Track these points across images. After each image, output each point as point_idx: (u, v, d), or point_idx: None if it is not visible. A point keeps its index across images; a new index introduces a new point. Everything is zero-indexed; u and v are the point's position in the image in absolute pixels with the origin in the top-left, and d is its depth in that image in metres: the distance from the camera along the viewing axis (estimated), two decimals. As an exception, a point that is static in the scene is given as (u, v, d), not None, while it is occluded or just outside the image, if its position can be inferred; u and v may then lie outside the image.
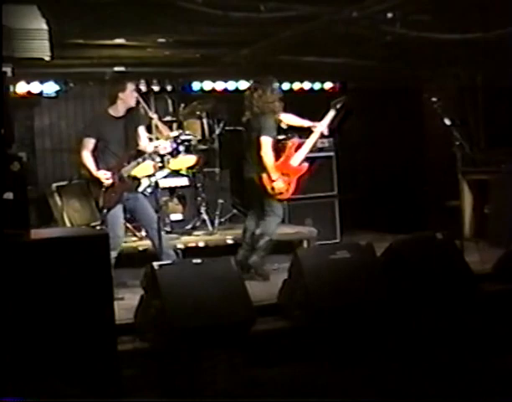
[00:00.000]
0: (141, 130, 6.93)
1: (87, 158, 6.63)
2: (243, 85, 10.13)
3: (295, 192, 7.23)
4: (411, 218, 9.01)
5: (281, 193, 7.09)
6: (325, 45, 8.42)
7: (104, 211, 6.63)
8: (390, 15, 7.00)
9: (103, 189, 6.57)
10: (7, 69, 5.61)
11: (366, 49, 8.61)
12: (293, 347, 5.30)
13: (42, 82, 9.10)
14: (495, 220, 8.48)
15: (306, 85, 10.57)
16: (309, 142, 7.29)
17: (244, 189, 7.64)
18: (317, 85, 10.65)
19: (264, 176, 7.05)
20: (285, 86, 10.41)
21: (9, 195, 4.17)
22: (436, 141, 9.08)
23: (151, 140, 7.35)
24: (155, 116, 7.26)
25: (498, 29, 7.30)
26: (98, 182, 6.58)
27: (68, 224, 8.51)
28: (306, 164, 7.24)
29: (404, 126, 10.03)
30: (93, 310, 4.29)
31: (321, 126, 7.32)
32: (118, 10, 6.47)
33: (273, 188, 7.04)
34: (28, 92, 9.05)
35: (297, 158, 7.20)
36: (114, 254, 6.34)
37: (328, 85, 10.71)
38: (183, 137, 7.07)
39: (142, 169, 7.47)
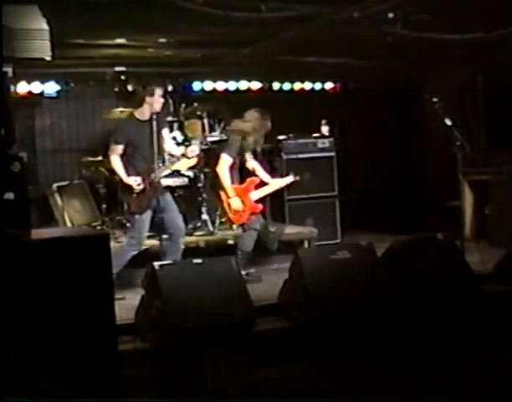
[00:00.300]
0: (165, 132, 6.89)
1: (117, 164, 6.56)
2: (244, 85, 10.15)
3: (248, 220, 7.12)
4: (411, 218, 9.02)
5: (237, 213, 7.06)
6: (326, 45, 8.42)
7: (136, 216, 6.54)
8: (391, 15, 7.00)
9: (134, 195, 6.50)
10: (8, 69, 5.61)
11: (367, 50, 8.61)
12: (293, 348, 5.30)
13: (43, 82, 9.10)
14: (496, 221, 8.48)
15: (307, 86, 10.57)
16: (266, 189, 7.40)
17: None
18: (318, 86, 10.66)
19: (222, 193, 7.13)
20: (286, 86, 10.43)
21: (10, 195, 4.18)
22: (436, 141, 9.09)
23: (177, 143, 7.39)
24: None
25: (499, 30, 7.30)
26: (128, 188, 6.52)
27: (68, 224, 8.51)
28: (261, 206, 7.24)
29: (405, 127, 10.04)
30: (93, 310, 4.29)
31: (275, 185, 7.46)
32: (119, 10, 6.47)
33: (229, 205, 7.08)
34: (29, 92, 9.06)
35: (255, 195, 7.23)
36: (133, 253, 6.46)
37: (329, 86, 10.72)
38: (210, 139, 7.03)
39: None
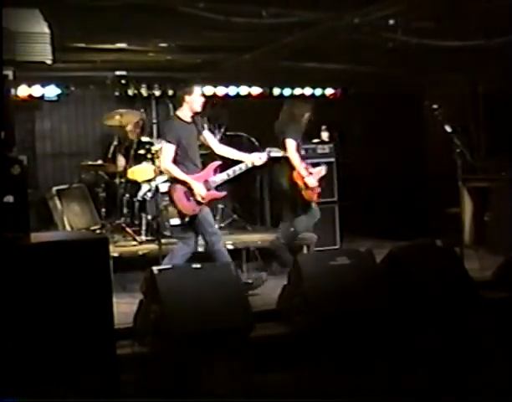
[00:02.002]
0: (207, 134, 6.67)
1: (172, 167, 6.26)
2: (244, 90, 10.16)
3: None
4: (411, 224, 9.01)
5: (312, 190, 7.38)
6: (327, 51, 8.44)
7: (186, 219, 6.32)
8: (391, 22, 7.01)
9: (190, 197, 6.27)
10: (9, 73, 5.62)
11: (368, 56, 8.63)
12: (292, 353, 5.29)
13: (43, 85, 9.12)
14: (495, 227, 8.48)
15: (307, 91, 10.59)
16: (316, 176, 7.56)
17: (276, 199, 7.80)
18: (318, 91, 10.67)
19: (295, 173, 7.31)
20: (287, 92, 10.44)
21: (9, 198, 4.17)
22: (436, 148, 9.10)
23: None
24: None
25: (499, 37, 7.32)
26: (187, 190, 6.26)
27: (68, 227, 8.51)
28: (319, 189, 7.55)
29: (405, 133, 10.04)
30: (92, 314, 4.28)
31: (319, 173, 7.61)
32: (120, 15, 6.49)
33: (305, 184, 7.32)
34: (30, 95, 9.07)
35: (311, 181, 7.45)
36: (220, 246, 6.36)
37: (329, 91, 10.73)
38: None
39: (142, 173, 7.49)
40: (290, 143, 7.31)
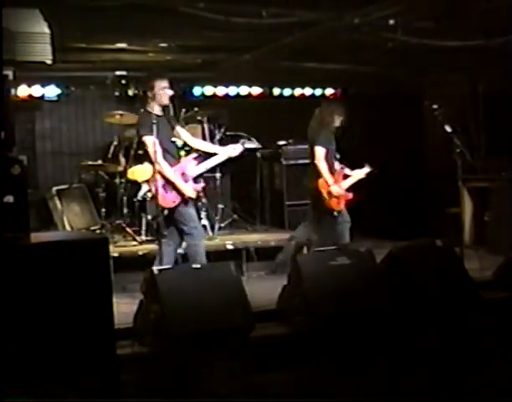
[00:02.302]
0: (180, 129, 6.62)
1: (163, 163, 6.22)
2: (245, 90, 10.16)
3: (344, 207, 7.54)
4: (411, 224, 9.01)
5: (337, 198, 7.38)
6: (327, 51, 8.44)
7: (165, 212, 6.29)
8: (391, 22, 7.02)
9: (169, 190, 6.24)
10: (9, 72, 5.62)
11: (368, 56, 8.63)
12: (292, 353, 5.29)
13: (43, 85, 9.12)
14: (495, 227, 8.47)
15: (307, 91, 10.59)
16: (351, 180, 7.73)
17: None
18: (318, 91, 10.67)
19: (321, 181, 7.32)
20: (287, 92, 10.44)
21: (9, 198, 4.17)
22: (436, 148, 9.10)
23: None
24: None
25: (499, 37, 7.32)
26: (169, 182, 6.24)
27: (68, 227, 8.51)
28: (351, 194, 7.59)
29: (405, 133, 10.03)
30: (92, 314, 4.29)
31: (357, 175, 7.79)
32: (120, 15, 6.49)
33: (329, 192, 7.30)
34: (30, 95, 9.08)
35: (344, 185, 7.59)
36: (199, 243, 6.34)
37: (329, 91, 10.73)
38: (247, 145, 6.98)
39: (142, 173, 7.48)
40: (319, 151, 7.28)
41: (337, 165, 7.62)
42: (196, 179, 6.48)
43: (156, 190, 6.13)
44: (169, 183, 6.25)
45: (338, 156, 7.65)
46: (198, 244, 6.37)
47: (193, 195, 6.36)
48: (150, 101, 6.36)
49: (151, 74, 6.72)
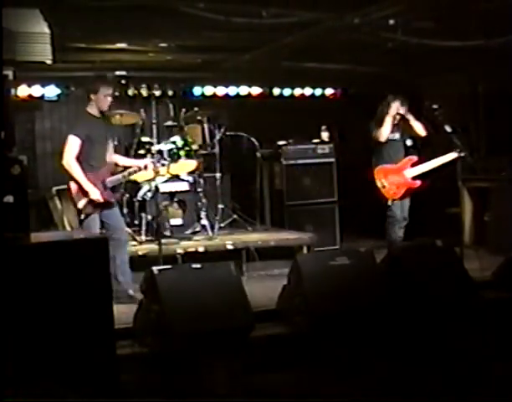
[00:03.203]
0: (111, 145, 6.66)
1: (73, 164, 6.27)
2: (244, 90, 10.16)
3: (402, 197, 7.75)
4: (411, 225, 9.00)
5: (391, 188, 7.64)
6: (327, 51, 8.45)
7: (82, 217, 6.40)
8: (391, 22, 7.02)
9: (87, 199, 6.31)
10: (9, 72, 5.64)
11: (368, 56, 8.64)
12: (292, 353, 5.29)
13: (43, 85, 9.13)
14: (495, 228, 8.47)
15: (307, 91, 10.60)
16: (424, 166, 7.71)
17: None
18: (318, 91, 10.68)
19: (376, 170, 7.71)
20: (286, 92, 10.44)
21: (9, 198, 4.18)
22: (436, 148, 9.09)
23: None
24: None
25: (499, 37, 7.32)
26: (83, 191, 6.29)
27: (68, 227, 8.50)
28: (419, 182, 7.69)
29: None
30: (92, 314, 4.29)
31: (435, 162, 7.73)
32: (120, 15, 6.49)
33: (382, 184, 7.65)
34: (30, 95, 9.08)
35: (411, 172, 7.69)
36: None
37: (329, 91, 10.74)
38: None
39: (142, 174, 7.48)
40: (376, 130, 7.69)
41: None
42: (113, 189, 6.54)
43: (74, 193, 6.33)
44: (79, 186, 6.32)
45: (410, 143, 7.90)
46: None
47: (98, 198, 6.29)
48: (91, 103, 6.42)
49: (100, 77, 6.84)
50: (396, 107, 7.75)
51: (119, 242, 6.38)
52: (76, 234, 6.37)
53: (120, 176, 6.58)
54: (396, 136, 7.84)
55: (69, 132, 6.38)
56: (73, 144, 6.27)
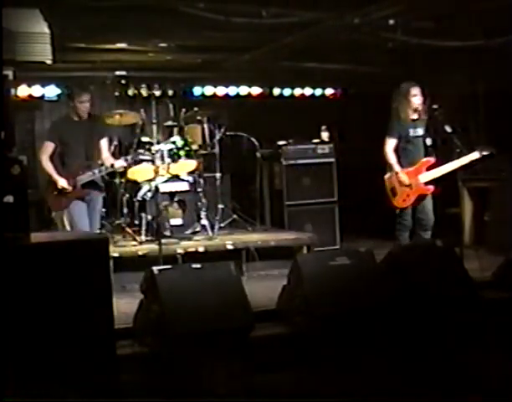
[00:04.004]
0: (104, 142, 7.10)
1: (46, 163, 6.89)
2: (244, 90, 10.16)
3: (413, 204, 7.25)
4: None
5: (404, 191, 7.15)
6: (327, 51, 8.45)
7: (53, 213, 6.99)
8: (391, 22, 7.02)
9: (55, 193, 6.86)
10: (9, 72, 5.64)
11: (368, 56, 8.64)
12: (292, 353, 5.29)
13: (43, 85, 9.13)
14: (495, 227, 8.47)
15: (307, 91, 10.60)
16: (441, 169, 7.13)
17: None
18: (318, 91, 10.68)
19: (386, 176, 7.29)
20: (286, 92, 10.45)
21: (9, 198, 4.17)
22: (436, 148, 9.09)
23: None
24: None
25: (499, 37, 7.32)
26: (53, 185, 6.86)
27: (68, 227, 8.50)
28: (432, 187, 7.18)
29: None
30: (92, 314, 4.28)
31: (453, 164, 7.04)
32: (120, 15, 6.50)
33: (399, 182, 7.15)
34: (30, 95, 9.09)
35: (425, 177, 7.17)
36: None
37: (329, 91, 10.74)
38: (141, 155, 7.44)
39: (142, 173, 7.49)
40: (386, 142, 7.24)
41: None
42: (84, 186, 6.97)
43: (48, 192, 7.01)
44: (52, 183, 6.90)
45: (429, 142, 7.24)
46: None
47: (63, 185, 6.81)
48: (70, 108, 6.94)
49: (76, 85, 7.18)
50: (416, 93, 7.11)
51: None
52: (76, 234, 6.38)
53: (90, 173, 6.94)
54: (419, 131, 7.25)
55: (45, 137, 7.03)
56: (46, 147, 6.91)
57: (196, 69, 9.41)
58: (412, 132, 7.20)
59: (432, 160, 7.17)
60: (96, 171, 6.97)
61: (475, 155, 6.97)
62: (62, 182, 6.79)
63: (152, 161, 7.90)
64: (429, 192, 7.19)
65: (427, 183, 7.17)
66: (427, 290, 5.92)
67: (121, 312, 5.22)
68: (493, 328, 5.68)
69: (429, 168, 7.17)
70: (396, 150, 7.25)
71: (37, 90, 9.10)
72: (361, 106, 10.19)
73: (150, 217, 7.78)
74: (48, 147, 6.87)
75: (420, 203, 7.21)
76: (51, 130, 7.07)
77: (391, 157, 7.21)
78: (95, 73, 9.17)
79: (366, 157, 10.28)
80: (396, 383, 4.79)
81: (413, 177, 7.16)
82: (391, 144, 7.20)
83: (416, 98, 7.10)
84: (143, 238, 7.64)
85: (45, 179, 7.18)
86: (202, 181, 8.27)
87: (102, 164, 7.02)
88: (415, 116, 7.19)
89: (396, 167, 7.15)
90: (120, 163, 7.14)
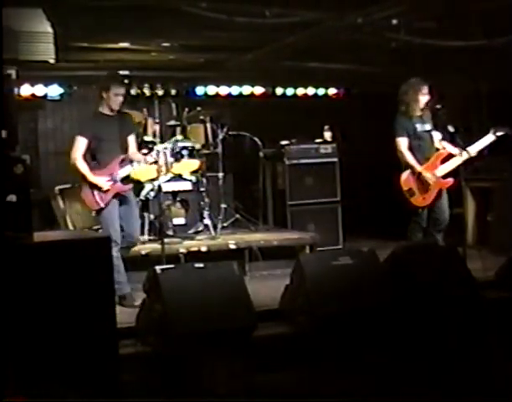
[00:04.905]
0: (132, 138, 6.76)
1: (79, 162, 6.42)
2: (247, 89, 10.16)
3: (431, 203, 6.97)
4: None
5: (413, 195, 6.92)
6: (330, 51, 8.45)
7: (94, 213, 6.53)
8: (394, 22, 7.02)
9: (94, 190, 6.39)
10: (12, 72, 5.64)
11: (370, 55, 8.63)
12: (294, 353, 5.29)
13: (46, 85, 9.13)
14: (498, 228, 8.46)
15: (310, 91, 10.59)
16: (455, 161, 6.92)
17: None
18: (321, 91, 10.67)
19: (402, 177, 6.99)
20: (289, 92, 10.44)
21: (12, 198, 4.18)
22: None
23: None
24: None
25: (502, 37, 7.31)
26: (91, 185, 6.40)
27: (70, 226, 8.51)
28: (451, 179, 6.92)
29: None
30: (95, 313, 4.29)
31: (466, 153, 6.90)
32: (123, 14, 6.50)
33: (422, 181, 6.89)
34: (33, 95, 9.08)
35: (441, 170, 6.97)
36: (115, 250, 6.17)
37: (332, 91, 10.73)
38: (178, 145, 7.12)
39: (145, 173, 7.50)
40: (398, 142, 6.99)
41: (445, 145, 7.01)
42: (123, 181, 6.53)
43: (84, 192, 6.44)
44: (89, 183, 6.41)
45: (439, 136, 7.05)
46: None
47: (103, 185, 6.35)
48: (102, 101, 6.49)
49: (112, 76, 6.88)
50: (424, 91, 7.00)
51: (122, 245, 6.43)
52: (79, 233, 6.39)
53: (129, 167, 6.55)
54: (427, 126, 7.08)
55: (77, 132, 6.51)
56: (79, 144, 6.40)
57: (198, 69, 9.40)
58: (419, 128, 7.06)
59: (444, 152, 6.99)
60: (135, 164, 6.58)
61: (490, 137, 6.81)
62: (101, 183, 6.35)
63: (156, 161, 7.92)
64: (449, 185, 6.92)
65: (444, 177, 6.95)
66: (430, 289, 5.92)
67: (124, 312, 5.23)
68: (495, 328, 5.67)
69: (443, 161, 6.98)
70: (409, 148, 7.05)
71: (40, 90, 9.09)
72: (364, 106, 10.18)
73: (152, 216, 7.79)
74: (81, 144, 6.39)
75: (438, 200, 6.97)
76: (84, 125, 6.60)
77: (410, 158, 6.96)
78: (98, 72, 9.15)
79: (369, 156, 10.29)
80: (397, 383, 4.79)
81: (431, 173, 6.96)
82: (404, 143, 7.00)
83: (425, 97, 7.03)
84: (146, 237, 7.65)
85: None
86: (204, 180, 8.27)
87: (131, 160, 6.63)
88: (420, 113, 7.10)
89: (418, 167, 6.93)
90: (151, 158, 6.73)
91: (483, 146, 6.88)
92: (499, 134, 6.74)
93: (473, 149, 6.83)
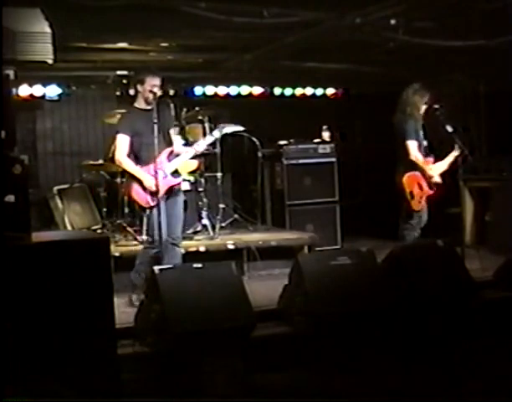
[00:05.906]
0: (173, 131, 6.58)
1: (125, 160, 6.20)
2: (246, 89, 10.16)
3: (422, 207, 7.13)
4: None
5: (413, 198, 7.01)
6: (328, 51, 8.44)
7: (148, 211, 6.20)
8: (393, 22, 7.02)
9: (141, 188, 6.14)
10: (10, 72, 5.62)
11: (369, 55, 8.63)
12: (293, 353, 5.30)
13: (44, 85, 9.12)
14: (496, 227, 8.47)
15: (309, 91, 10.59)
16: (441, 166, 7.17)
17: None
18: (319, 91, 10.68)
19: (405, 178, 7.04)
20: (288, 92, 10.44)
21: (10, 198, 4.18)
22: (437, 147, 9.09)
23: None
24: None
25: (500, 37, 7.31)
26: (140, 182, 6.13)
27: (69, 227, 8.52)
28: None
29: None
30: (93, 313, 4.29)
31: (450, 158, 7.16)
32: (121, 14, 6.49)
33: (411, 192, 7.00)
34: (31, 95, 9.08)
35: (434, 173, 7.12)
36: (174, 249, 6.17)
37: (330, 91, 10.73)
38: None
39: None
40: (410, 145, 6.97)
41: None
42: (173, 175, 6.32)
43: (134, 190, 6.16)
44: (137, 180, 6.18)
45: (426, 143, 7.20)
46: (172, 249, 6.24)
47: (151, 185, 6.07)
48: (138, 96, 6.31)
49: (144, 69, 6.64)
50: (426, 98, 7.09)
51: (166, 244, 6.16)
52: (77, 233, 6.38)
53: (177, 160, 6.35)
54: (421, 132, 7.18)
55: (117, 131, 6.28)
56: (122, 142, 6.19)
57: (197, 69, 9.40)
58: (421, 134, 7.15)
59: (430, 159, 7.17)
60: (184, 156, 6.38)
61: (217, 134, 6.74)
62: (149, 183, 6.06)
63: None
64: (434, 192, 7.12)
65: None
66: (428, 289, 5.93)
67: (122, 312, 5.23)
68: (493, 328, 5.68)
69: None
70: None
71: (38, 90, 9.09)
72: (363, 106, 10.19)
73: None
74: (124, 142, 6.14)
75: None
76: (123, 122, 6.34)
77: (423, 160, 7.05)
78: (96, 72, 9.17)
79: (367, 156, 10.31)
80: (396, 383, 4.79)
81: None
82: (415, 146, 7.01)
83: (425, 105, 7.12)
84: (144, 237, 7.64)
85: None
86: (203, 180, 8.28)
87: (177, 153, 6.38)
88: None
89: (431, 172, 7.07)
90: (202, 147, 6.52)
91: (211, 142, 6.83)
92: (225, 131, 6.75)
93: (200, 146, 6.63)
